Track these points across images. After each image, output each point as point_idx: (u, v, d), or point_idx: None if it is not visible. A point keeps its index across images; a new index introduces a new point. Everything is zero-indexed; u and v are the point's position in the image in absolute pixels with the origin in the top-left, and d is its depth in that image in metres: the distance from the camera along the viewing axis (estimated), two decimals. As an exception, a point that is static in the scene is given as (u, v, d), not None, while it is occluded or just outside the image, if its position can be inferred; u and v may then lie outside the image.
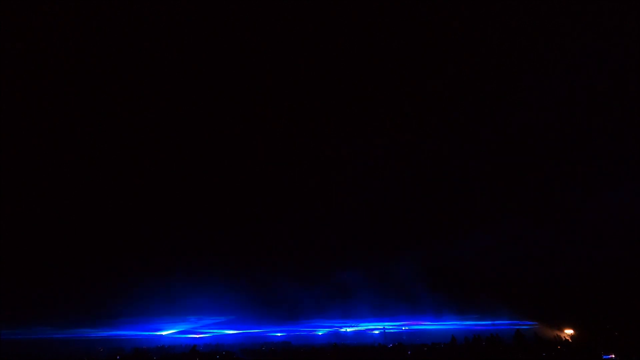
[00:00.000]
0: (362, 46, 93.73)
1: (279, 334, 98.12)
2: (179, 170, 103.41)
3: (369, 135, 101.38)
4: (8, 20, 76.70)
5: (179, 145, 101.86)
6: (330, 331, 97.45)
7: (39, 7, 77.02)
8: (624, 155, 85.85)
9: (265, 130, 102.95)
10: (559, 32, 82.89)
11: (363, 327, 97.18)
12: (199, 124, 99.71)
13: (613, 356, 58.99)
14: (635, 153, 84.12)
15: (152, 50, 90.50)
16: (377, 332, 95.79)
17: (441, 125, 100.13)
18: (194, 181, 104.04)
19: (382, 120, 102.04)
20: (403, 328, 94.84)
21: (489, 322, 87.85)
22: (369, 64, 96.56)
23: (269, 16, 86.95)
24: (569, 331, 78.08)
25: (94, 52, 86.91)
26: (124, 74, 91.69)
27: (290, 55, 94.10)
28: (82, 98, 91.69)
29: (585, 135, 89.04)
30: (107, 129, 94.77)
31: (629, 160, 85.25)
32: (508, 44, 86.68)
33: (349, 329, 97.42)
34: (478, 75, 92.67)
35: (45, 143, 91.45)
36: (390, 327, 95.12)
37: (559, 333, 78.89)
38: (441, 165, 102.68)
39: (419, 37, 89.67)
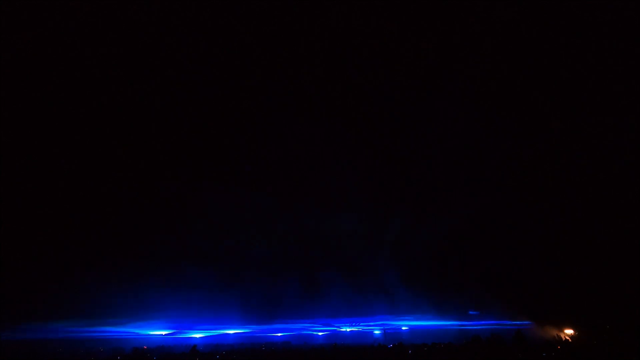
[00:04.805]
0: (356, 46, 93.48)
1: (279, 334, 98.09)
2: (179, 172, 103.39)
3: (360, 134, 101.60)
4: (8, 20, 76.63)
5: (175, 146, 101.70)
6: (330, 331, 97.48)
7: (39, 6, 76.93)
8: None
9: (253, 130, 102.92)
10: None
11: (363, 327, 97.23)
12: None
13: None
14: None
15: (152, 51, 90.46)
16: (377, 332, 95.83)
17: (435, 124, 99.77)
18: (194, 182, 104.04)
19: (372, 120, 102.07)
20: (403, 328, 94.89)
21: (488, 322, 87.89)
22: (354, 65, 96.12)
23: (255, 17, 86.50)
24: (569, 331, 78.13)
25: (94, 52, 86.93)
26: (125, 75, 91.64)
27: (278, 55, 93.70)
28: (84, 98, 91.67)
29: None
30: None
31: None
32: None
33: (348, 329, 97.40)
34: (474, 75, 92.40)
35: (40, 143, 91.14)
36: (390, 326, 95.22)
37: (559, 333, 78.93)
38: (440, 162, 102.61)
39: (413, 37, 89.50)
